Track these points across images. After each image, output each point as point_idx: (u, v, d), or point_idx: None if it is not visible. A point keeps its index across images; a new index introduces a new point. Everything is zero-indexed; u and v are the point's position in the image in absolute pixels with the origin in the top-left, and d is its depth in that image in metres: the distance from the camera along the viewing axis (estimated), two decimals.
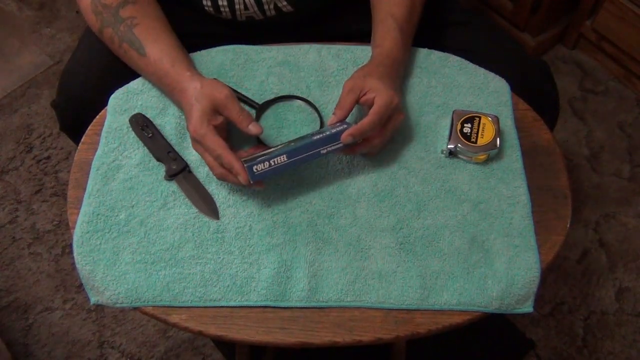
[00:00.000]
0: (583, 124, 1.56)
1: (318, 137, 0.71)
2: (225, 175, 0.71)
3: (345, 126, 0.72)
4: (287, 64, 0.86)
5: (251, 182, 0.69)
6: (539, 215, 0.73)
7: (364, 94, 0.73)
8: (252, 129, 0.71)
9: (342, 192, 0.75)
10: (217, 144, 0.69)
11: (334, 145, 0.71)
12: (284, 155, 0.69)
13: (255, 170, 0.68)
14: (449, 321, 0.67)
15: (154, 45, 0.77)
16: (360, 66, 0.78)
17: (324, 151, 0.71)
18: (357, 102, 0.74)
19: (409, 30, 0.81)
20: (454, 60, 0.85)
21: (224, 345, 1.23)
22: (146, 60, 0.77)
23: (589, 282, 1.32)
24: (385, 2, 0.81)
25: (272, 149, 0.72)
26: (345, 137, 0.70)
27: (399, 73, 0.79)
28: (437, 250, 0.70)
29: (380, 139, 0.73)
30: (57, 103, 0.90)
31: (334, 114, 0.74)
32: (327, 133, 0.71)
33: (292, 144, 0.72)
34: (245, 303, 0.68)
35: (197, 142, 0.71)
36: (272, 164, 0.69)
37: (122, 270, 0.69)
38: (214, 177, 0.75)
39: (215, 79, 0.78)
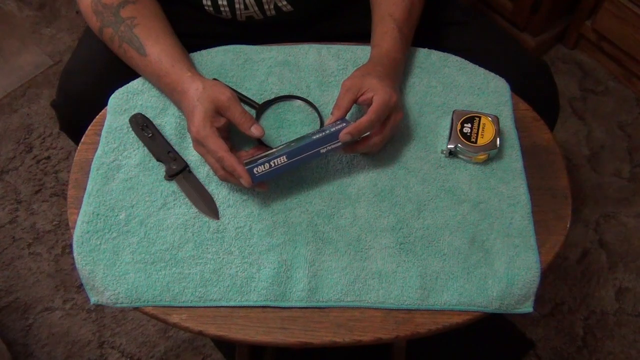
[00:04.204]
0: (583, 124, 1.55)
1: (318, 136, 0.71)
2: (227, 177, 0.71)
3: (344, 124, 0.72)
4: (287, 64, 0.85)
5: (253, 184, 0.69)
6: (539, 215, 0.73)
7: (363, 93, 0.73)
8: (254, 131, 0.71)
9: (342, 192, 0.75)
10: (219, 146, 0.69)
11: (333, 144, 0.71)
12: (284, 156, 0.69)
13: (255, 172, 0.69)
14: (449, 321, 0.67)
15: (154, 45, 0.77)
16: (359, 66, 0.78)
17: (324, 150, 0.71)
18: (355, 101, 0.74)
19: (407, 30, 0.81)
20: (454, 60, 0.85)
21: (224, 345, 1.23)
22: (146, 60, 0.77)
23: (589, 282, 1.32)
24: (384, 2, 0.81)
25: (272, 150, 0.72)
26: (343, 136, 0.70)
27: (398, 72, 0.79)
28: (437, 250, 0.70)
29: (380, 137, 0.73)
30: (57, 103, 0.90)
31: (332, 113, 0.74)
32: (327, 132, 0.71)
33: (292, 144, 0.71)
34: (245, 303, 0.68)
35: (199, 144, 0.71)
36: (273, 165, 0.69)
37: (122, 270, 0.69)
38: (214, 177, 0.75)
39: (216, 80, 0.78)
